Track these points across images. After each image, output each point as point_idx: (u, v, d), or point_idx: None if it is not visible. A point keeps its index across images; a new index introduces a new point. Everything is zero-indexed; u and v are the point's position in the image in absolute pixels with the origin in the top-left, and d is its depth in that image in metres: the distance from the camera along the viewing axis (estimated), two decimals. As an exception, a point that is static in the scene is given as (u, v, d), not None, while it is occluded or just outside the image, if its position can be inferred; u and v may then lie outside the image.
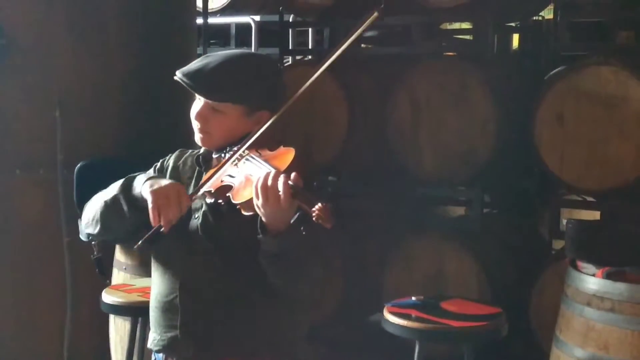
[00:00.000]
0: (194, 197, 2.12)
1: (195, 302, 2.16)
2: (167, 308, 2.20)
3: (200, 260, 2.15)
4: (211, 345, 2.14)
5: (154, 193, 2.04)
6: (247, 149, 2.07)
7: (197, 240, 2.15)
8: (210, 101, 2.15)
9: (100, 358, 3.95)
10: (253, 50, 5.94)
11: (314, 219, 1.75)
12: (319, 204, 1.74)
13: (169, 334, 2.19)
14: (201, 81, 2.13)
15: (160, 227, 2.03)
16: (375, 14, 1.94)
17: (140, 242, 2.12)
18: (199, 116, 2.17)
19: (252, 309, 2.12)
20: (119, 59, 4.20)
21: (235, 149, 2.10)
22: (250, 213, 1.94)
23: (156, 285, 2.27)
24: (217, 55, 2.21)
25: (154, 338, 2.24)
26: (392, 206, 4.97)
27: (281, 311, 2.14)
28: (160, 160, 2.39)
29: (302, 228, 1.83)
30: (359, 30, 1.99)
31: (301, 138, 4.52)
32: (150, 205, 2.03)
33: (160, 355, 2.24)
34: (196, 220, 2.17)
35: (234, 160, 2.07)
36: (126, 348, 3.42)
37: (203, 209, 2.15)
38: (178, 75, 2.16)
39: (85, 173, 3.92)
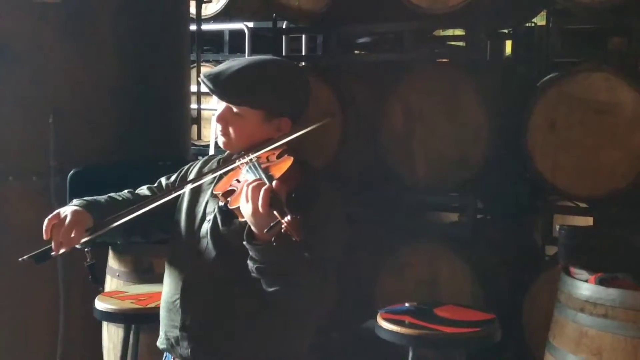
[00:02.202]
0: (93, 235, 2.16)
1: (195, 305, 2.18)
2: (170, 309, 2.23)
3: (204, 265, 2.17)
4: (209, 349, 2.16)
5: (55, 213, 2.15)
6: (256, 156, 2.10)
7: (204, 244, 2.18)
8: (229, 104, 2.19)
9: (93, 365, 3.94)
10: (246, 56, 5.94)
11: (282, 229, 1.78)
12: (288, 216, 1.77)
13: (172, 334, 2.22)
14: (220, 84, 2.17)
15: (50, 248, 2.11)
16: (329, 119, 2.10)
17: (26, 256, 2.18)
18: (220, 119, 2.21)
19: (252, 317, 2.13)
20: (112, 66, 4.20)
21: (244, 154, 2.13)
22: (244, 219, 1.96)
23: (164, 286, 2.31)
24: (242, 59, 2.26)
25: (160, 336, 2.28)
26: (385, 213, 4.97)
27: (282, 322, 2.14)
28: (187, 165, 2.43)
29: (272, 239, 1.85)
30: (313, 127, 2.15)
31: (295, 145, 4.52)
32: (45, 223, 2.12)
33: (170, 355, 2.27)
34: (207, 223, 2.19)
35: (244, 166, 2.10)
36: (119, 355, 3.41)
37: (214, 212, 2.18)
38: (201, 77, 2.22)
39: (78, 180, 3.92)
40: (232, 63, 2.22)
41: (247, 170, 2.05)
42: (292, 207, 1.82)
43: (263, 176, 1.95)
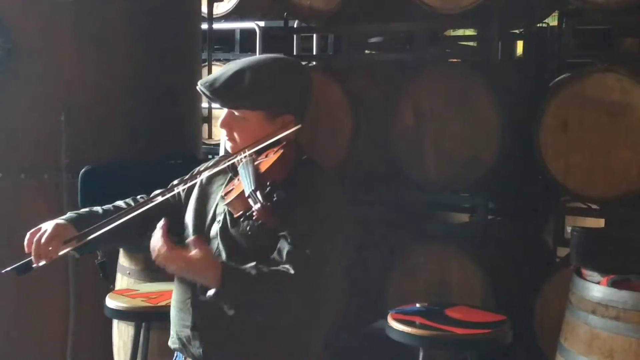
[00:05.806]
0: (74, 245, 2.19)
1: (206, 305, 2.17)
2: (181, 308, 2.24)
3: None
4: (221, 348, 2.16)
5: (36, 228, 2.21)
6: (250, 154, 2.11)
7: (214, 245, 2.18)
8: (229, 109, 2.19)
9: (103, 363, 3.94)
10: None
11: (254, 217, 1.85)
12: (259, 204, 1.83)
13: (183, 334, 2.23)
14: (216, 89, 2.16)
15: (31, 260, 2.17)
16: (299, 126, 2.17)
17: (9, 268, 2.22)
18: (223, 124, 2.21)
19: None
20: (123, 64, 4.20)
21: (241, 154, 2.15)
22: (240, 212, 2.00)
23: (175, 285, 2.31)
24: (237, 62, 2.24)
25: (171, 336, 2.29)
26: (396, 213, 4.96)
27: (294, 321, 2.13)
28: (200, 166, 2.42)
29: (248, 229, 1.92)
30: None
31: (305, 144, 4.52)
32: (27, 236, 2.18)
33: (181, 354, 2.27)
34: (217, 224, 2.19)
35: (240, 164, 2.11)
36: (129, 353, 3.41)
37: (224, 213, 2.18)
38: (198, 85, 2.20)
39: (89, 178, 3.92)
40: (227, 67, 2.20)
41: (241, 168, 2.07)
42: (269, 196, 1.86)
43: (251, 175, 1.97)
